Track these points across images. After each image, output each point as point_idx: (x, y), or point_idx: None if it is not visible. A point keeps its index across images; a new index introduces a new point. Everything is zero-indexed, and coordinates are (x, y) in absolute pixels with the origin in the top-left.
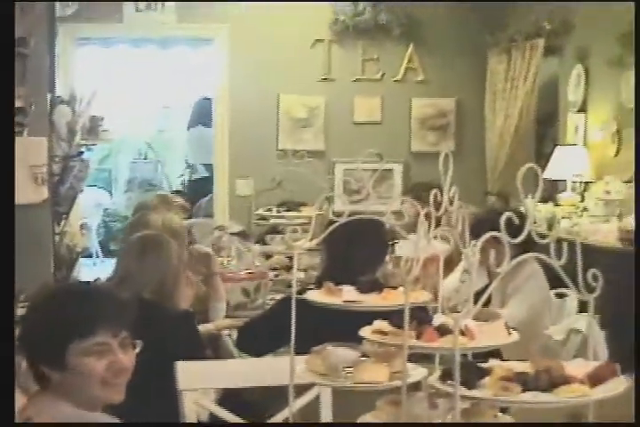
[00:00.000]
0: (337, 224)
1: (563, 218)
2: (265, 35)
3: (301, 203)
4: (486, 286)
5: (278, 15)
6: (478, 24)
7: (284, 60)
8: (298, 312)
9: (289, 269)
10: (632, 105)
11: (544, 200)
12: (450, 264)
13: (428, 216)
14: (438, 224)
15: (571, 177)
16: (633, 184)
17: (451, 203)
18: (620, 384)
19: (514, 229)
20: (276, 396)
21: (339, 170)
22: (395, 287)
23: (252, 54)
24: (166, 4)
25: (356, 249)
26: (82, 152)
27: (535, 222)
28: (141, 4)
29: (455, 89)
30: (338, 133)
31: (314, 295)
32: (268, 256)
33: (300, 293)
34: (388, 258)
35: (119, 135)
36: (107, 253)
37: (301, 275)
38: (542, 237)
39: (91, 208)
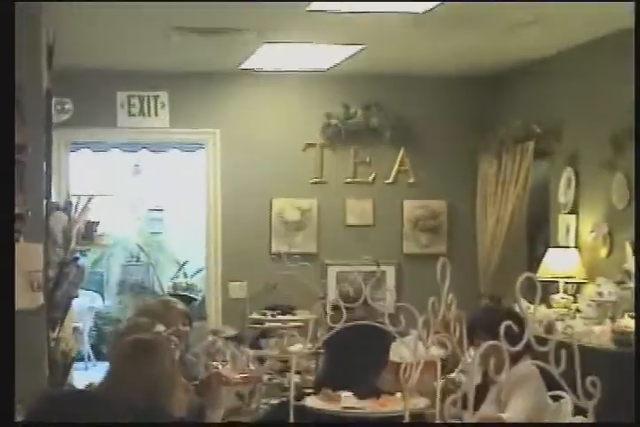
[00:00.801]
0: (337, 329)
1: (556, 320)
2: (256, 139)
3: (295, 306)
4: (479, 385)
5: (270, 119)
6: (469, 128)
7: (275, 163)
8: (295, 418)
9: (282, 372)
10: (622, 207)
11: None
12: (444, 368)
13: (425, 323)
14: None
15: (563, 279)
16: (626, 285)
17: (449, 309)
18: None
19: (512, 334)
20: None
21: (331, 273)
22: (392, 393)
23: (244, 158)
24: (159, 110)
25: (357, 355)
26: (77, 258)
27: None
28: (134, 109)
29: (446, 191)
30: (330, 236)
31: (312, 402)
32: (260, 359)
33: (296, 398)
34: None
35: (112, 239)
36: (99, 356)
37: (296, 378)
38: (541, 342)
39: (83, 311)
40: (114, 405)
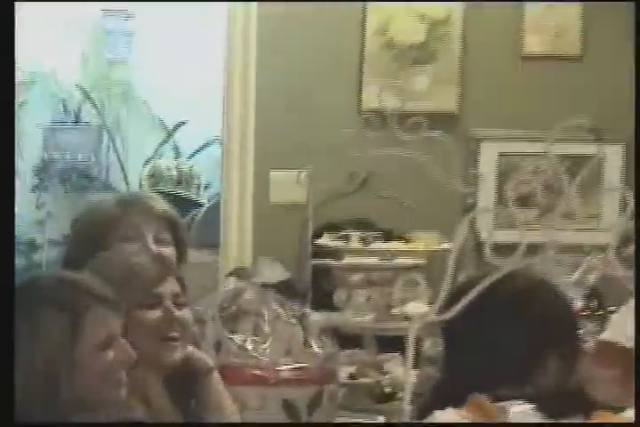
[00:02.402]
0: (501, 274)
1: None
2: None
3: (409, 225)
4: None
5: None
6: None
7: None
8: None
9: (378, 362)
10: None
11: None
12: None
13: None
14: None
15: None
16: None
17: None
18: None
19: None
20: None
21: (488, 155)
22: (618, 408)
23: None
24: None
25: (531, 330)
26: None
27: None
28: None
29: None
30: (486, 79)
31: (447, 418)
32: (333, 333)
33: (417, 413)
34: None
35: (29, 72)
36: None
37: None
38: None
39: None
40: None
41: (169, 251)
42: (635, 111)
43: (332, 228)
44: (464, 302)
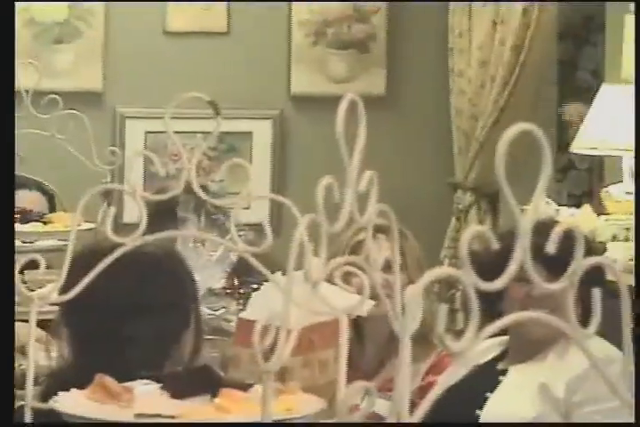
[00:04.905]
0: (104, 264)
1: (614, 240)
2: None
3: (50, 207)
4: None
5: None
6: None
7: None
8: None
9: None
10: None
11: (576, 203)
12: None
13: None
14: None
15: (629, 154)
16: None
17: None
18: None
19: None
20: None
21: (134, 133)
22: (246, 385)
23: None
24: None
25: (150, 309)
26: None
27: None
28: None
29: None
30: (133, 57)
31: (68, 402)
32: None
33: (43, 396)
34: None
35: None
36: None
37: (43, 357)
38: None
39: None
40: None
41: None
42: (635, 114)
43: None
44: (84, 282)
